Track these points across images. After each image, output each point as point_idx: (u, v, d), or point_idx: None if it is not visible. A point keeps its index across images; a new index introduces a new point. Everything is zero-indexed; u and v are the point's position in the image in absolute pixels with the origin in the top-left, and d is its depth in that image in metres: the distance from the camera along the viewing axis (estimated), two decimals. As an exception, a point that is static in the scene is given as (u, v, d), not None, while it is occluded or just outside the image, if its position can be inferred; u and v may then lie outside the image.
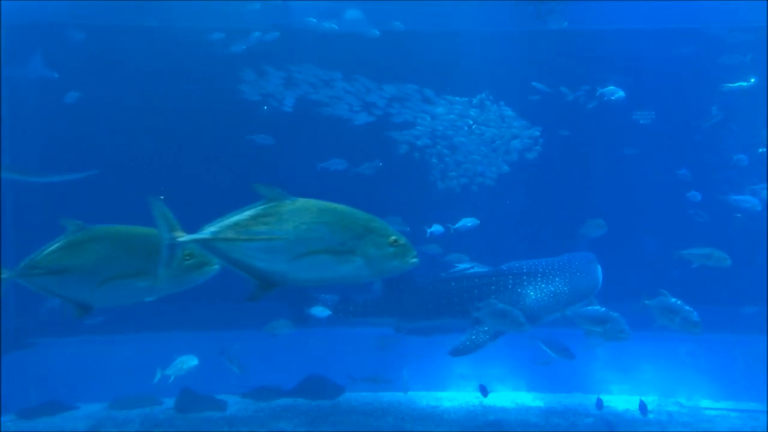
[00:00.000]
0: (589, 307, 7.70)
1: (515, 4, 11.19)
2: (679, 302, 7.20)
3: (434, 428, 9.09)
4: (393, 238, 3.40)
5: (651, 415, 9.38)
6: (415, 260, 3.48)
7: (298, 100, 11.86)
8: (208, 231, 3.38)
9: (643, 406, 9.07)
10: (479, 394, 9.68)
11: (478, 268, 9.16)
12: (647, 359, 10.36)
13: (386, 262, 3.41)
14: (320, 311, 9.20)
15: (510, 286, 8.55)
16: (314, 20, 11.27)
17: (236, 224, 3.36)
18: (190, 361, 8.61)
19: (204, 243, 3.38)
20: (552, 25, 9.34)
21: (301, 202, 3.42)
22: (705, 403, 9.99)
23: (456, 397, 10.08)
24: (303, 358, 10.33)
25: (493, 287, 8.64)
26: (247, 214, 3.41)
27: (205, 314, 10.47)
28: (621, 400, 10.05)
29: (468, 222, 10.37)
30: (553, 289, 8.45)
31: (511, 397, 10.29)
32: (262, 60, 11.58)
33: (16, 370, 9.71)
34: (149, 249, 3.51)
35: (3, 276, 3.64)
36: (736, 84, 11.24)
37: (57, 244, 3.67)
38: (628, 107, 11.52)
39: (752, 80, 11.24)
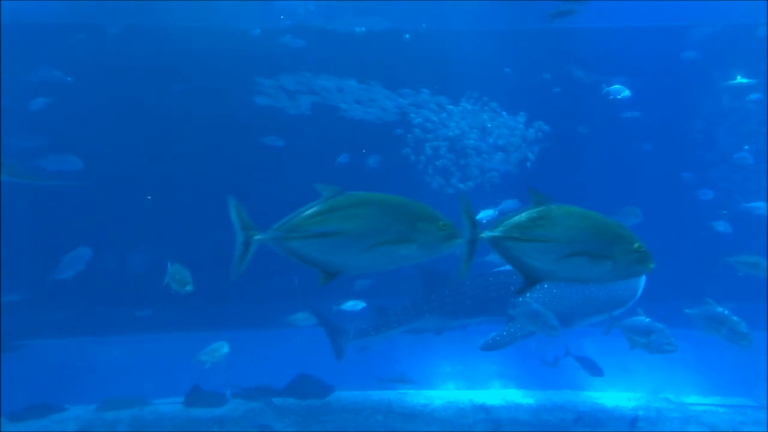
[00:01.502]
0: (634, 318, 7.61)
1: (513, 3, 11.25)
2: (725, 312, 7.15)
3: (424, 427, 9.10)
4: (637, 244, 3.64)
5: (639, 412, 9.44)
6: (653, 266, 3.68)
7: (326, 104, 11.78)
8: (497, 230, 3.69)
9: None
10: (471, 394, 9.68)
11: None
12: (635, 355, 10.41)
13: (631, 267, 3.66)
14: (353, 305, 9.45)
15: (545, 286, 8.53)
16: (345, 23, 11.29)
17: (518, 225, 3.68)
18: (221, 348, 8.59)
19: (495, 241, 3.69)
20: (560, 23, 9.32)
21: (565, 207, 3.71)
22: (693, 398, 10.06)
23: (446, 395, 10.10)
24: (292, 357, 10.33)
25: None
26: (525, 215, 3.70)
27: (191, 315, 10.44)
28: (610, 397, 10.11)
29: (510, 203, 10.39)
30: (588, 293, 8.40)
31: (501, 394, 10.31)
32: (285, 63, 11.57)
33: (3, 373, 9.65)
34: (412, 217, 3.60)
35: (257, 238, 3.61)
36: (735, 81, 11.32)
37: (315, 209, 3.64)
38: (628, 105, 11.54)
39: (738, 78, 11.32)
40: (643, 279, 8.55)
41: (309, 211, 3.64)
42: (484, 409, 9.73)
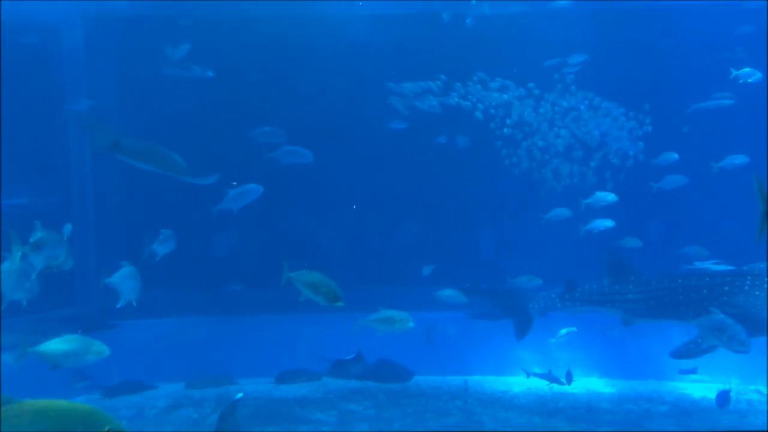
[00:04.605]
0: None
1: None
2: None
3: (503, 412, 9.07)
4: None
5: (729, 404, 9.12)
6: None
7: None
8: None
9: (723, 398, 8.73)
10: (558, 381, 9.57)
11: (711, 266, 8.62)
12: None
13: None
14: (528, 280, 9.54)
15: (747, 288, 7.74)
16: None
17: None
18: (406, 322, 7.02)
19: None
20: None
21: None
22: (786, 391, 9.65)
23: (526, 382, 10.01)
24: (374, 341, 10.44)
25: (726, 288, 7.88)
26: None
27: (281, 298, 10.63)
28: (697, 388, 9.81)
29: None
30: None
31: (582, 383, 10.15)
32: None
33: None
34: None
35: None
36: None
37: None
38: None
39: None
40: None
41: None
42: (564, 397, 9.61)
